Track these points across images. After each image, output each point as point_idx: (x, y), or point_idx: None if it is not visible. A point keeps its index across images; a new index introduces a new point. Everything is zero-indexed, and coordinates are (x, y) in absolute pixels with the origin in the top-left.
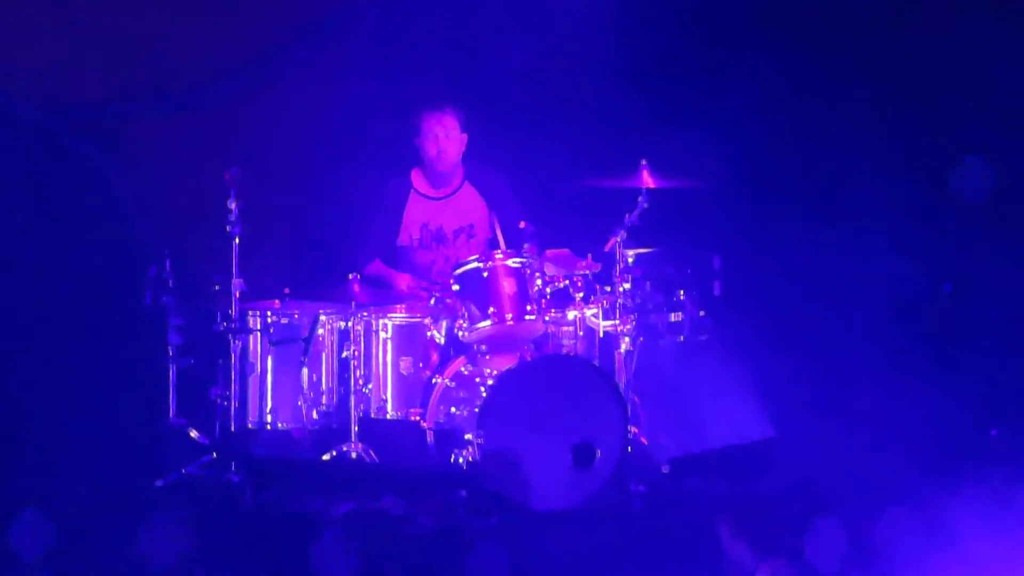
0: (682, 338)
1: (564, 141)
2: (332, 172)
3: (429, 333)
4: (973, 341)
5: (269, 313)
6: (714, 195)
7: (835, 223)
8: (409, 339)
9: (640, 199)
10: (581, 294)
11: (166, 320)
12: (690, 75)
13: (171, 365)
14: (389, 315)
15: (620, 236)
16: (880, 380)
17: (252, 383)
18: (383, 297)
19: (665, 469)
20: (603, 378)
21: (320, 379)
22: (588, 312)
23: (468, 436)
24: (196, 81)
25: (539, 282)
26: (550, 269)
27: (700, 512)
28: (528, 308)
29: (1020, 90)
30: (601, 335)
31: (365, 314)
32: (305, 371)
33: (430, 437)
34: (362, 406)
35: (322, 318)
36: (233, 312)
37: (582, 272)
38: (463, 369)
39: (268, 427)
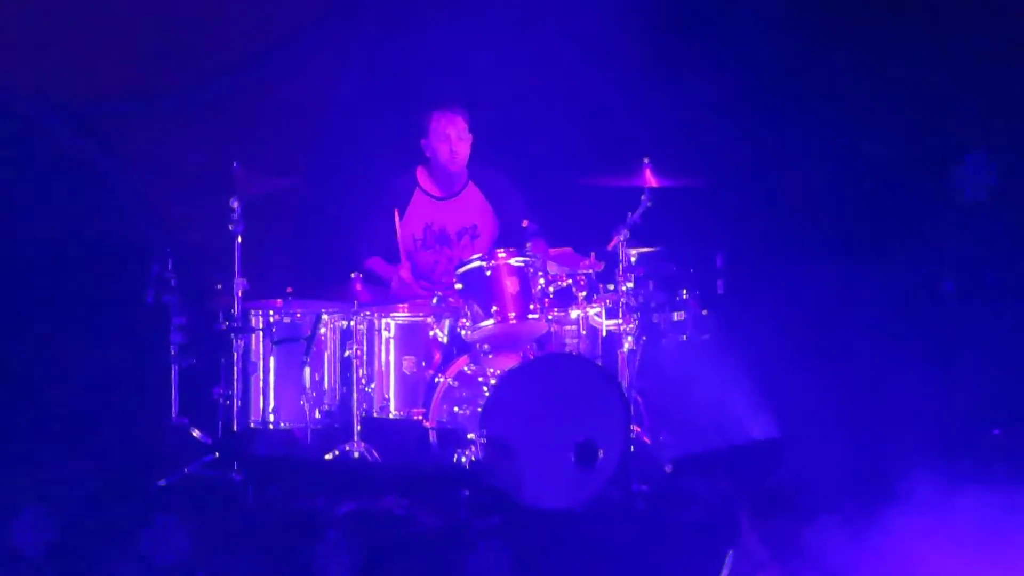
0: (685, 337)
1: (566, 140)
2: (335, 170)
3: (432, 332)
4: (975, 339)
5: (271, 312)
6: (717, 194)
7: (837, 221)
8: (412, 338)
9: (643, 198)
10: (584, 293)
11: (168, 319)
12: (693, 72)
13: (173, 364)
14: (392, 314)
15: (623, 235)
16: (883, 379)
17: (254, 382)
18: (386, 296)
19: (668, 469)
20: (606, 377)
21: (322, 378)
22: (591, 311)
23: (471, 435)
24: (199, 78)
25: (542, 281)
26: (553, 268)
27: (703, 512)
28: (531, 307)
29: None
30: (604, 334)
31: (368, 313)
32: (307, 370)
33: (433, 436)
34: (364, 405)
35: (324, 317)
36: (235, 311)
37: (585, 271)
38: (466, 368)
39: (270, 426)
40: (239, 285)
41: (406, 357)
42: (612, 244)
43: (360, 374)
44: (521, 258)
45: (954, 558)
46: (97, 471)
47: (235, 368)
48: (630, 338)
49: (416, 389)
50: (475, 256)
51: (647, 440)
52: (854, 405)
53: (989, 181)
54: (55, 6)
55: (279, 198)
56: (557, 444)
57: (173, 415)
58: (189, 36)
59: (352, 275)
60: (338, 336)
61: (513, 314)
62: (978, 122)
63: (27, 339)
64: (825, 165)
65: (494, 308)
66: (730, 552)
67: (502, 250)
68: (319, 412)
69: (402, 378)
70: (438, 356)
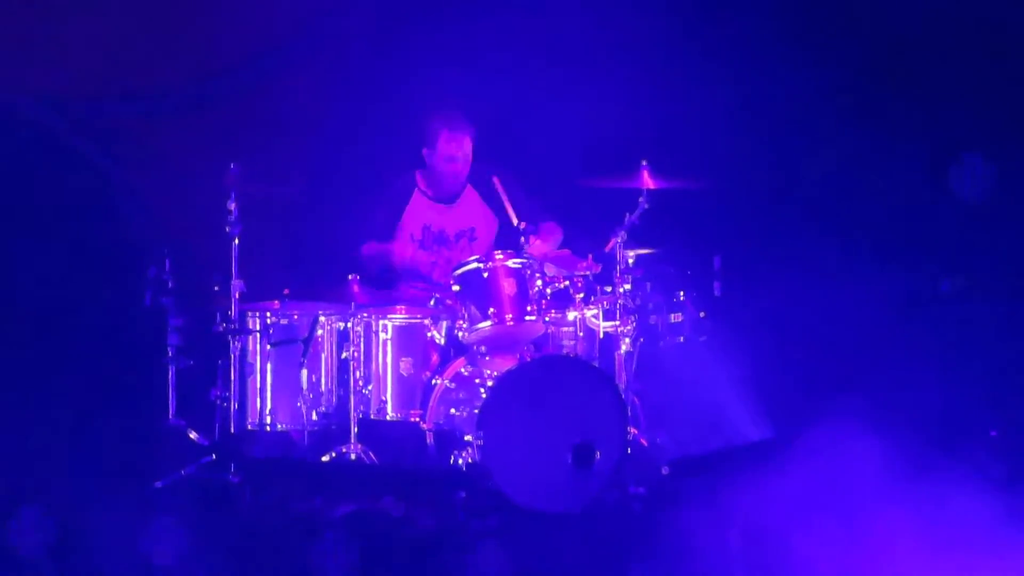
0: (682, 339)
1: (564, 142)
2: (333, 172)
3: (429, 334)
4: (972, 339)
5: (268, 314)
6: (715, 196)
7: (835, 223)
8: (409, 340)
9: (641, 200)
10: (581, 295)
11: (165, 321)
12: (690, 75)
13: (170, 366)
14: (389, 316)
15: (620, 237)
16: (880, 380)
17: (251, 384)
18: (383, 297)
19: (665, 470)
20: (603, 379)
21: (320, 380)
22: (588, 313)
23: (468, 437)
24: (196, 79)
25: (539, 283)
26: (550, 270)
27: (700, 514)
28: (528, 309)
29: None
30: (601, 336)
31: (365, 315)
32: (305, 372)
33: (430, 438)
34: (362, 407)
35: (321, 319)
36: (232, 313)
37: (582, 273)
38: (463, 370)
39: (267, 428)
40: (236, 287)
41: (403, 359)
42: (610, 246)
43: (357, 376)
44: (518, 260)
45: (949, 561)
46: (94, 472)
47: (232, 370)
48: (627, 340)
49: (413, 391)
50: (472, 258)
51: (644, 442)
52: (851, 406)
53: (987, 182)
54: (53, 6)
55: (276, 200)
56: (554, 446)
57: (170, 417)
58: (187, 37)
59: (349, 277)
60: (335, 338)
61: (510, 316)
62: (977, 122)
63: (24, 340)
64: (823, 167)
65: (491, 310)
66: None
67: (499, 252)
68: (316, 414)
69: (399, 380)
70: (435, 358)
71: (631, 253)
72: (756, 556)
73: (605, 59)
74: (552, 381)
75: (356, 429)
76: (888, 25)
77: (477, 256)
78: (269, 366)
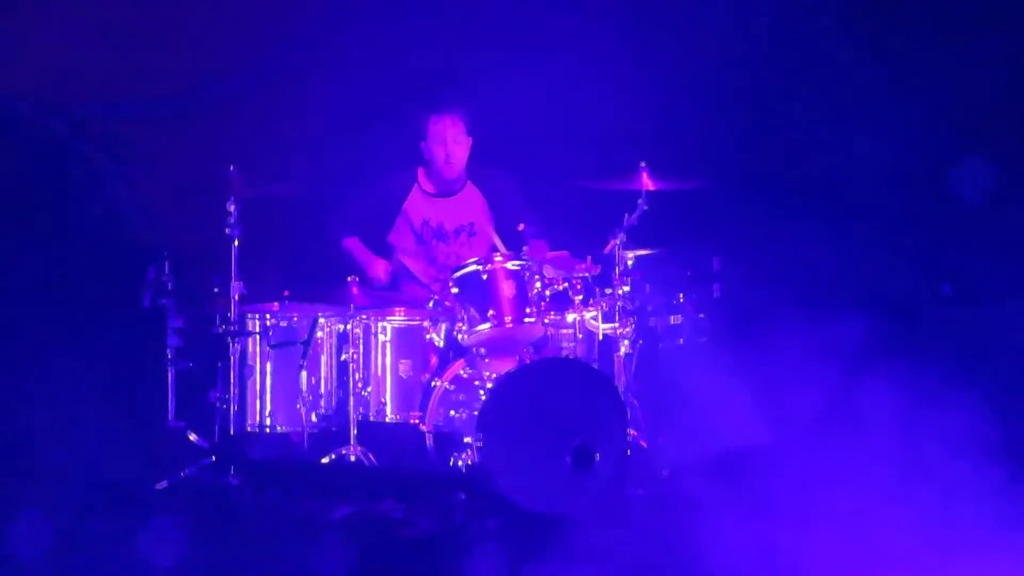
0: (682, 341)
1: (563, 143)
2: (332, 174)
3: (428, 336)
4: (973, 342)
5: (268, 316)
6: (714, 197)
7: (835, 225)
8: (408, 342)
9: (640, 201)
10: (580, 297)
11: (165, 322)
12: (690, 75)
13: (170, 368)
14: (388, 318)
15: (619, 238)
16: (880, 383)
17: (251, 386)
18: (383, 300)
19: (665, 473)
20: (603, 381)
21: (319, 382)
22: (587, 315)
23: (467, 439)
24: (195, 81)
25: (538, 284)
26: (549, 271)
27: (700, 516)
28: (527, 311)
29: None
30: (600, 338)
31: (364, 317)
32: (304, 374)
33: (429, 440)
34: (361, 409)
35: (321, 321)
36: (232, 315)
37: (581, 274)
38: (462, 372)
39: (267, 430)
40: (236, 288)
41: (402, 361)
42: (609, 247)
43: (357, 378)
44: (517, 262)
45: (951, 563)
46: (94, 474)
47: (232, 372)
48: (627, 342)
49: (412, 393)
50: (471, 260)
51: (644, 444)
52: (850, 408)
53: (986, 184)
54: (52, 8)
55: (276, 201)
56: (554, 448)
57: (170, 418)
58: (186, 39)
59: (349, 279)
60: (335, 340)
61: (509, 318)
62: (977, 125)
63: (23, 341)
64: (823, 168)
65: (490, 312)
66: None
67: (498, 254)
68: (316, 416)
69: (398, 382)
70: (434, 360)
71: (630, 255)
72: (757, 558)
73: (605, 59)
74: (551, 383)
75: (356, 431)
76: (888, 28)
77: (476, 258)
78: (269, 368)
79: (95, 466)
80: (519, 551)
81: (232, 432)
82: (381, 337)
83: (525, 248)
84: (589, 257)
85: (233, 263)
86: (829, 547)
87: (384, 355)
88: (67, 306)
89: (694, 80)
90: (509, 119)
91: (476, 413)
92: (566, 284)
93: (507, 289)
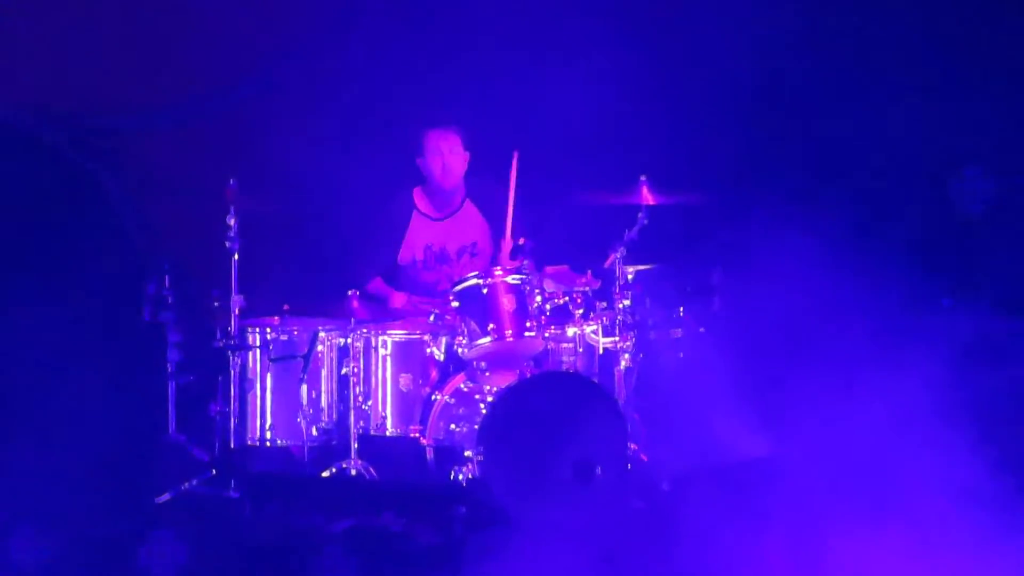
0: (682, 355)
1: (563, 157)
2: (332, 188)
3: (428, 350)
4: (973, 355)
5: (268, 330)
6: (713, 211)
7: (836, 238)
8: (408, 356)
9: (640, 215)
10: (581, 311)
11: (165, 337)
12: (688, 90)
13: (170, 381)
14: (388, 332)
15: (620, 252)
16: (881, 396)
17: (251, 400)
18: (382, 313)
19: (665, 486)
20: (603, 395)
21: (319, 396)
22: (588, 329)
23: (468, 453)
24: (196, 95)
25: (539, 299)
26: (549, 285)
27: (701, 529)
28: (528, 325)
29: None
30: (601, 352)
31: (364, 331)
32: (304, 388)
33: (429, 454)
34: (361, 423)
35: (321, 335)
36: (232, 329)
37: (582, 289)
38: (463, 386)
39: (267, 444)
40: (236, 302)
41: (403, 375)
42: (609, 261)
43: (357, 391)
44: (518, 276)
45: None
46: (94, 488)
47: (232, 385)
48: (627, 355)
49: (413, 407)
50: (472, 274)
51: (644, 457)
52: (852, 421)
53: (987, 194)
54: (52, 21)
55: (276, 215)
56: (554, 461)
57: (170, 432)
58: (187, 53)
59: (349, 292)
60: (335, 353)
61: (510, 332)
62: (978, 134)
63: (24, 355)
64: (823, 181)
65: (491, 326)
66: None
67: (499, 268)
68: (316, 429)
69: (399, 396)
70: (435, 374)
71: (630, 269)
72: (757, 571)
73: (605, 73)
74: (552, 397)
75: (356, 444)
76: (886, 38)
77: (476, 272)
78: (269, 382)
79: (96, 479)
80: (520, 564)
81: (232, 446)
82: (381, 351)
83: (525, 262)
84: (589, 271)
85: (233, 277)
86: (829, 560)
87: (384, 369)
88: (68, 320)
89: (694, 94)
90: (509, 134)
91: (476, 427)
92: (566, 298)
93: (507, 303)
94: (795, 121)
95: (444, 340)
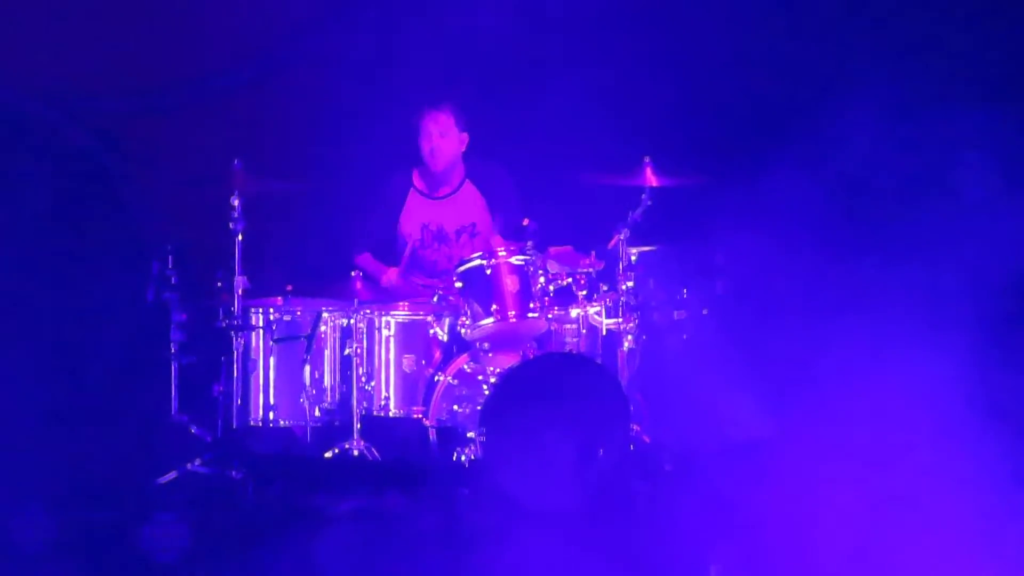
0: (685, 336)
1: (567, 138)
2: (336, 168)
3: (432, 330)
4: (974, 340)
5: (271, 310)
6: (717, 193)
7: (840, 220)
8: (412, 336)
9: (643, 196)
10: (584, 292)
11: (168, 317)
12: (693, 71)
13: (173, 362)
14: (392, 312)
15: (623, 234)
16: (885, 377)
17: (254, 380)
18: (386, 294)
19: (668, 467)
20: (606, 376)
21: (322, 376)
22: (591, 310)
23: (470, 434)
24: (199, 76)
25: (542, 279)
26: (553, 266)
27: (704, 510)
28: (531, 306)
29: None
30: (604, 333)
31: (368, 311)
32: (307, 368)
33: (432, 435)
34: (364, 403)
35: (324, 315)
36: (236, 309)
37: (585, 270)
38: (466, 367)
39: (270, 424)
40: (239, 283)
41: (406, 355)
42: (612, 243)
43: (360, 372)
44: (521, 256)
45: (952, 560)
46: (97, 468)
47: (235, 366)
48: (630, 337)
49: (416, 387)
50: (475, 254)
51: (647, 439)
52: (855, 404)
53: (989, 182)
54: (55, 2)
55: (280, 196)
56: (557, 443)
57: (173, 412)
58: (190, 34)
59: (352, 273)
60: (338, 334)
61: (513, 312)
62: (980, 121)
63: (27, 335)
64: (828, 163)
65: (494, 306)
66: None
67: (502, 248)
68: (319, 410)
69: (402, 376)
70: (438, 354)
71: (634, 250)
72: (761, 552)
73: (608, 53)
74: (555, 378)
75: (359, 425)
76: (888, 23)
77: (480, 253)
78: (272, 362)
79: (98, 459)
80: (522, 546)
81: (235, 426)
82: (385, 332)
83: (529, 243)
84: (593, 252)
85: (237, 257)
86: (832, 542)
87: (387, 349)
88: (71, 300)
89: (699, 76)
90: (512, 114)
91: (479, 408)
92: (570, 279)
93: (511, 284)
94: (801, 103)
95: (447, 321)
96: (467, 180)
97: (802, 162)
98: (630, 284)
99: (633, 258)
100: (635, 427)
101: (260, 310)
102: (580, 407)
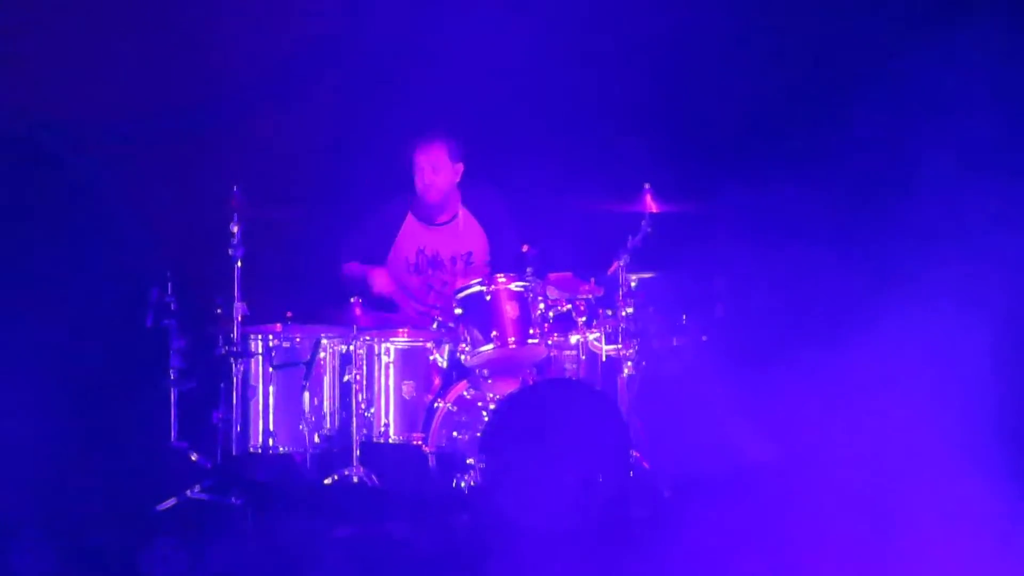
0: (685, 362)
1: (567, 165)
2: (334, 195)
3: (431, 357)
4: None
5: (271, 337)
6: (717, 219)
7: (837, 247)
8: (411, 363)
9: (643, 223)
10: (584, 318)
11: (168, 343)
12: (692, 98)
13: (172, 388)
14: (391, 339)
15: (623, 260)
16: (885, 403)
17: (253, 407)
18: (385, 320)
19: (667, 493)
20: (605, 402)
21: (322, 403)
22: (591, 336)
23: (470, 460)
24: (200, 102)
25: (542, 306)
26: (553, 293)
27: (703, 536)
28: (531, 332)
29: None
30: (604, 359)
31: (367, 337)
32: (307, 395)
33: (432, 461)
34: (364, 430)
35: (324, 342)
36: (235, 335)
37: (585, 296)
38: (465, 393)
39: (270, 451)
40: (239, 309)
41: (405, 382)
42: (612, 269)
43: (359, 399)
44: (521, 283)
45: None
46: (96, 494)
47: (234, 392)
48: (630, 363)
49: (415, 414)
50: (475, 280)
51: (646, 465)
52: (854, 428)
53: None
54: (54, 29)
55: (279, 223)
56: (556, 469)
57: (172, 439)
58: (190, 61)
59: (351, 300)
60: (337, 361)
61: (513, 339)
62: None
63: (25, 362)
64: (827, 189)
65: (494, 333)
66: None
67: (502, 275)
68: (318, 436)
69: (401, 403)
70: (437, 381)
71: (633, 276)
72: None
73: (608, 80)
74: (554, 404)
75: (358, 452)
76: (886, 43)
77: (480, 279)
78: (271, 389)
79: (97, 486)
80: (522, 572)
81: (234, 453)
82: (384, 358)
83: (529, 269)
84: (592, 278)
85: (236, 284)
86: (831, 567)
87: (387, 376)
88: (70, 326)
89: (698, 102)
90: (513, 141)
91: (479, 434)
92: (569, 305)
93: (510, 310)
94: (799, 129)
95: (447, 347)
96: (463, 208)
97: (803, 190)
98: (630, 310)
99: (633, 284)
100: (634, 453)
101: (259, 336)
102: (580, 433)
